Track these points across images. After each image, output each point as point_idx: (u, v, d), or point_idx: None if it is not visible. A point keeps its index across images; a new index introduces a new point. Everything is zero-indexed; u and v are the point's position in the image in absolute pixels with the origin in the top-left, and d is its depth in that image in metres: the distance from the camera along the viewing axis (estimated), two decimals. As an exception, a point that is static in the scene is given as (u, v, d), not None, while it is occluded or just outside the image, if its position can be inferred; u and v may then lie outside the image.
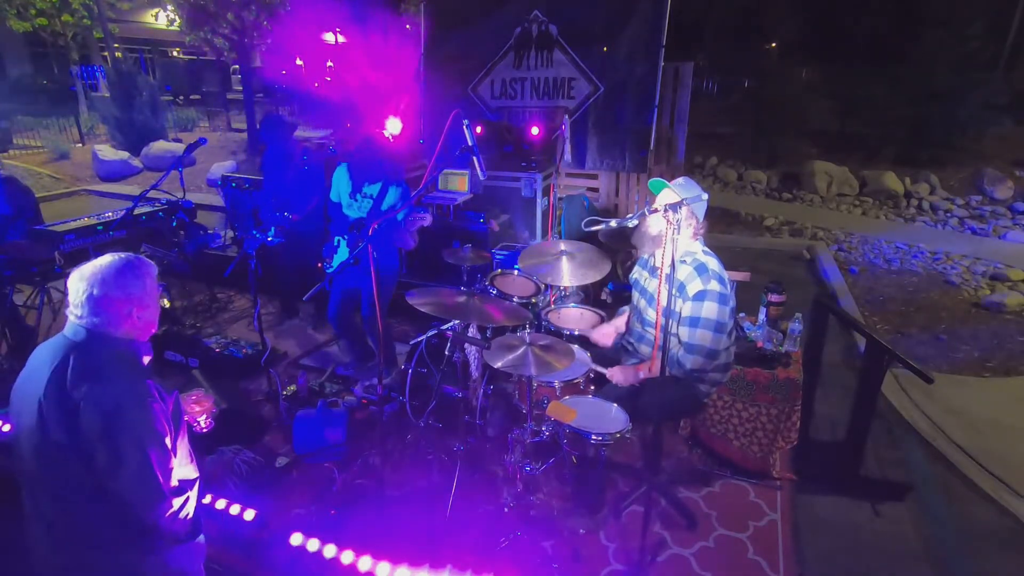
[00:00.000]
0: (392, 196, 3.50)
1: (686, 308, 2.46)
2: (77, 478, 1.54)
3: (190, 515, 1.68)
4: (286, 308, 4.93)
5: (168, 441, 1.60)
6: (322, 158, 4.81)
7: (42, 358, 1.60)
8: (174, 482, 1.64)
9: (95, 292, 1.57)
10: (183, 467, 1.74)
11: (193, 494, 1.74)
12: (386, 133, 3.83)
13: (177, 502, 1.62)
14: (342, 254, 3.59)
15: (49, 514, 1.61)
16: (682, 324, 2.48)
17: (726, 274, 2.51)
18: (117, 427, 1.51)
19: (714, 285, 2.43)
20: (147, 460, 1.53)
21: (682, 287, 2.46)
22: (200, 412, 2.05)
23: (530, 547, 2.49)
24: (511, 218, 5.00)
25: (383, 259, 3.56)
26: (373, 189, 3.53)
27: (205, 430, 2.07)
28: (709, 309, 2.42)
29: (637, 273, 2.82)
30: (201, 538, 1.78)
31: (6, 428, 2.41)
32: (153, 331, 1.73)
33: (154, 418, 1.56)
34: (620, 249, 4.46)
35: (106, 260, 1.62)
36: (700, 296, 2.43)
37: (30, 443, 1.57)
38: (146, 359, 1.71)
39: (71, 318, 1.61)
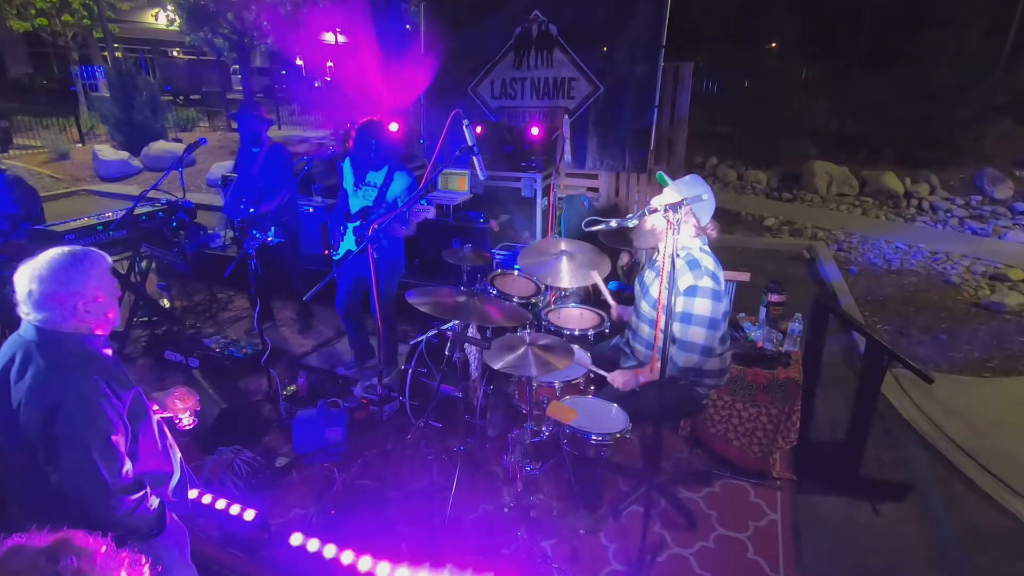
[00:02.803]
0: (398, 183, 3.44)
1: (678, 303, 2.44)
2: (37, 473, 1.52)
3: (152, 509, 1.62)
4: (286, 307, 4.93)
5: (119, 439, 1.55)
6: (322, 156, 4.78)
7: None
8: (127, 479, 1.56)
9: (34, 288, 1.52)
10: (152, 461, 1.69)
11: (168, 489, 1.71)
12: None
13: (133, 498, 1.55)
14: (348, 242, 3.57)
15: (26, 504, 1.61)
16: (674, 319, 2.48)
17: (721, 273, 2.50)
18: (55, 424, 1.48)
19: (706, 281, 2.41)
20: (88, 458, 1.48)
21: (673, 281, 2.46)
22: (183, 409, 2.01)
23: (530, 547, 2.49)
24: (511, 218, 5.00)
25: (387, 251, 3.49)
26: (377, 177, 3.49)
27: (189, 427, 2.05)
28: (702, 305, 2.41)
29: (646, 273, 2.81)
30: (166, 521, 1.70)
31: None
32: (111, 324, 1.68)
33: (97, 415, 1.52)
34: (621, 249, 4.46)
35: (47, 255, 1.56)
36: (691, 291, 2.41)
37: None
38: (106, 352, 1.66)
39: (22, 315, 1.57)
